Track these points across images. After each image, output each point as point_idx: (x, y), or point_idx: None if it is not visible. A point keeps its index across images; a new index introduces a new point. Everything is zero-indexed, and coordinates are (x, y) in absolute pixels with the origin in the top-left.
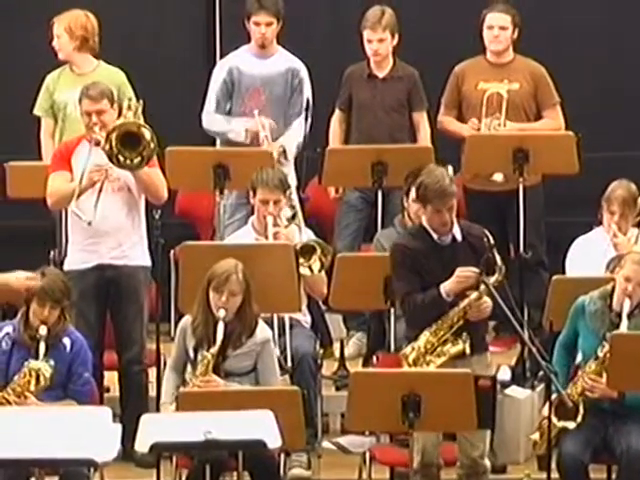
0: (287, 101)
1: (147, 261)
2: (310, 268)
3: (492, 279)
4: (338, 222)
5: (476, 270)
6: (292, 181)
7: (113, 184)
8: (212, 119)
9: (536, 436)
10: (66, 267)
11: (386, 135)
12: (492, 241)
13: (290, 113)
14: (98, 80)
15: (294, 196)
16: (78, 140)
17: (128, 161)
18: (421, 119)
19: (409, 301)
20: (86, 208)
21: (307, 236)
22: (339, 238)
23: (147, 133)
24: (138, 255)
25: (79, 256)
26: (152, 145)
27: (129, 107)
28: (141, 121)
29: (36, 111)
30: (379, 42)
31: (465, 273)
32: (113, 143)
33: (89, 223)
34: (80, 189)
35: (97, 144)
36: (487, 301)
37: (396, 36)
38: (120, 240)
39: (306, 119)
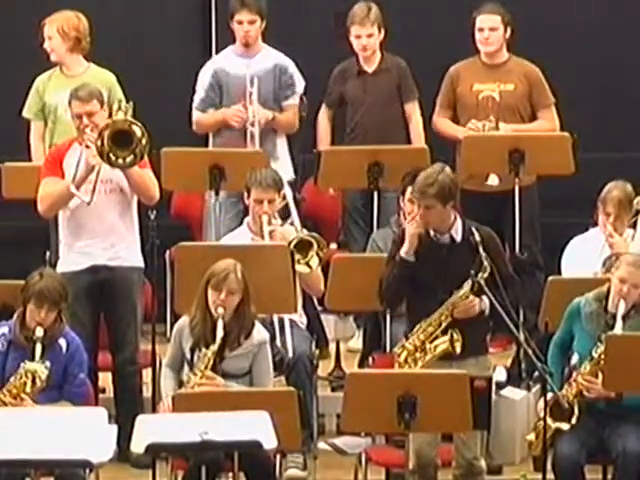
0: (277, 98)
1: (140, 262)
2: (308, 264)
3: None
4: (349, 229)
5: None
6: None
7: (106, 186)
8: (198, 118)
9: (532, 437)
10: (59, 269)
11: (380, 129)
12: (478, 238)
13: (284, 106)
14: (87, 82)
15: (288, 195)
16: (69, 144)
17: (120, 160)
18: (413, 110)
19: (380, 281)
20: (83, 190)
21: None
22: (352, 243)
23: (138, 130)
24: (132, 256)
25: (72, 258)
26: (144, 142)
27: (119, 108)
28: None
29: (25, 114)
30: (368, 37)
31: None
32: (105, 141)
33: (88, 203)
34: (79, 178)
35: (88, 147)
36: (474, 300)
37: (382, 30)
38: (113, 241)
39: (300, 118)
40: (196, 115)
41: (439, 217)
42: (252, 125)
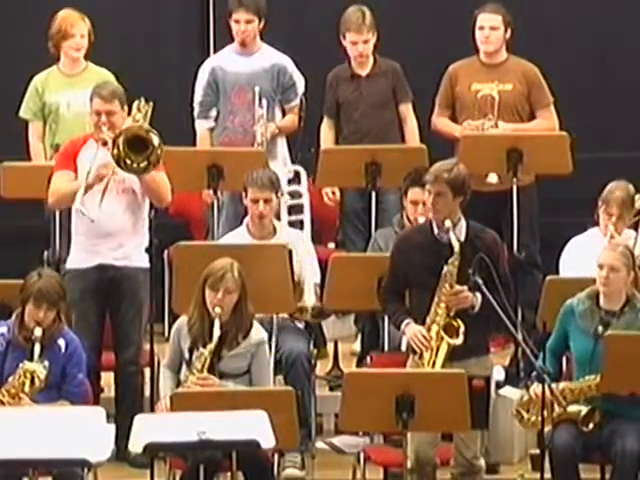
0: (276, 98)
1: (146, 263)
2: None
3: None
4: (347, 232)
5: (428, 339)
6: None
7: (118, 186)
8: (200, 134)
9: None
10: (68, 265)
11: (376, 131)
12: (447, 225)
13: (287, 109)
14: (110, 80)
15: (305, 196)
16: (84, 139)
17: (135, 164)
18: (407, 111)
19: (383, 299)
20: (90, 206)
21: (306, 244)
22: (349, 246)
23: (155, 139)
24: (139, 257)
25: (81, 255)
26: (159, 151)
27: (139, 109)
28: (147, 125)
29: (23, 114)
30: (364, 43)
31: (419, 337)
32: (120, 147)
33: (92, 220)
34: (87, 185)
35: (104, 144)
36: (463, 289)
37: (376, 34)
38: (121, 241)
39: (300, 118)
40: (200, 125)
41: (447, 207)
42: (260, 145)
